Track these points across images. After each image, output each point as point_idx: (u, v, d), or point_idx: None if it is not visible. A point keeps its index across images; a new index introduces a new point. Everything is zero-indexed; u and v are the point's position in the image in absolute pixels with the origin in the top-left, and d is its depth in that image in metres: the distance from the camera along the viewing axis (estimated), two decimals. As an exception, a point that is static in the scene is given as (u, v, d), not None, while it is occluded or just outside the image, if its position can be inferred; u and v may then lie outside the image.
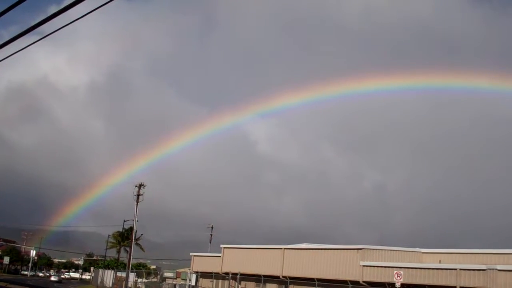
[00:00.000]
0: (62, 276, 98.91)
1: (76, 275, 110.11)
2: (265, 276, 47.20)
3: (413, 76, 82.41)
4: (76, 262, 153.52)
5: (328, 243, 48.64)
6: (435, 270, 36.38)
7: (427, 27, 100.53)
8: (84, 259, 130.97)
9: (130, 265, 60.72)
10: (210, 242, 73.31)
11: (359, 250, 40.61)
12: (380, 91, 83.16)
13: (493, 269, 33.35)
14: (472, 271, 34.31)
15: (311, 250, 46.02)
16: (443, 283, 35.06)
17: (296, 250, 47.48)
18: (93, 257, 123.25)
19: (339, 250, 42.95)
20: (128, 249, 68.31)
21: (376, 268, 39.16)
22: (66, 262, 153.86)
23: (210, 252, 61.98)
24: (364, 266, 39.62)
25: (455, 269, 35.07)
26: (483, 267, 33.94)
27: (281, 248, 47.39)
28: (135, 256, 74.34)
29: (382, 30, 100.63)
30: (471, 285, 33.74)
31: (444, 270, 35.83)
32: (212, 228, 75.34)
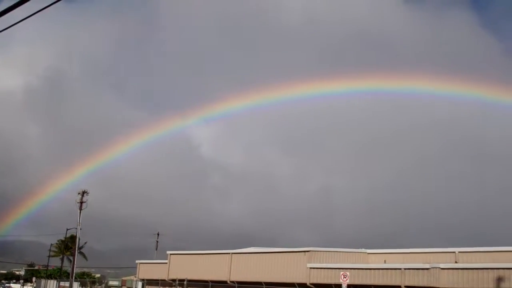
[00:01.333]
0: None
1: (17, 286, 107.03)
2: (212, 281, 46.96)
3: (355, 79, 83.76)
4: (17, 272, 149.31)
5: (275, 246, 48.83)
6: (380, 270, 36.96)
7: (367, 31, 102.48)
8: (25, 270, 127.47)
9: (74, 274, 59.48)
10: (156, 249, 72.62)
11: (306, 253, 40.87)
12: (323, 94, 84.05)
13: (436, 267, 34.11)
14: (416, 270, 34.99)
15: (258, 254, 46.07)
16: (389, 282, 35.65)
17: (244, 254, 47.45)
18: (35, 267, 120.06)
19: (286, 253, 43.14)
20: (71, 258, 66.96)
21: (322, 270, 39.50)
22: (7, 273, 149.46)
23: (156, 259, 61.28)
24: (311, 268, 39.91)
25: (400, 269, 35.71)
26: (427, 266, 34.67)
27: (228, 253, 47.25)
28: (79, 264, 72.99)
29: (323, 34, 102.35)
30: (415, 284, 34.42)
31: (389, 270, 36.42)
32: (158, 234, 74.64)
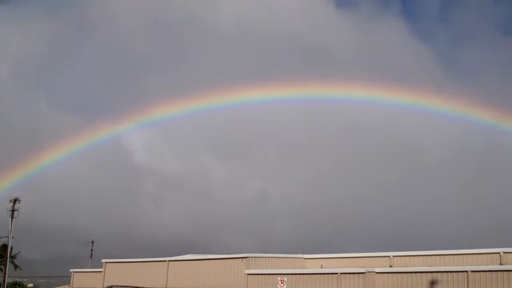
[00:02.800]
0: None
1: None
2: (149, 289, 46.22)
3: (289, 85, 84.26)
4: None
5: (212, 253, 48.48)
6: (317, 275, 37.14)
7: (301, 38, 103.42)
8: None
9: (6, 284, 57.57)
10: (91, 257, 71.20)
11: (243, 259, 40.68)
12: (258, 100, 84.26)
13: (371, 271, 34.54)
14: (352, 275, 35.32)
15: (195, 261, 45.60)
16: (325, 287, 35.87)
17: (181, 261, 46.89)
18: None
19: (223, 260, 42.82)
20: (2, 267, 64.82)
21: (260, 276, 39.40)
22: None
23: (91, 268, 59.94)
24: (248, 274, 39.75)
25: (336, 273, 35.98)
26: (362, 270, 35.06)
27: (165, 261, 46.58)
28: (11, 274, 70.63)
29: (257, 41, 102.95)
30: (351, 288, 34.82)
31: (325, 275, 36.65)
32: (92, 242, 73.15)
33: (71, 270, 57.47)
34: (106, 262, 52.31)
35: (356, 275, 35.03)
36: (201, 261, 44.97)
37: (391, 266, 39.70)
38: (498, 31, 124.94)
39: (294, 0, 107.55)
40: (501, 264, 36.34)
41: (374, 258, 41.65)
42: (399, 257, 40.83)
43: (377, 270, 34.78)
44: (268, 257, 42.48)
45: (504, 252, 37.24)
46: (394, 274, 34.38)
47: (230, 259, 42.02)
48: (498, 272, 31.14)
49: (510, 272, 30.72)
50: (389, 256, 41.17)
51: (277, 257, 43.21)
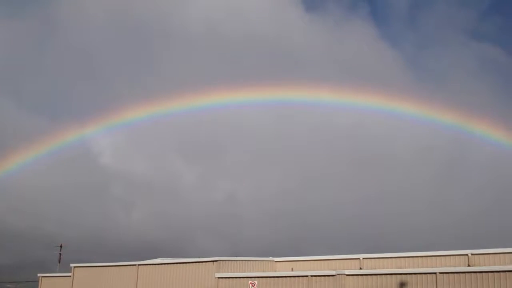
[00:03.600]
0: None
1: None
2: (118, 294, 45.78)
3: (259, 88, 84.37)
4: None
5: (182, 257, 48.17)
6: (287, 278, 37.18)
7: (270, 41, 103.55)
8: None
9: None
10: (59, 262, 70.19)
11: (214, 262, 40.55)
12: (227, 103, 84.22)
13: (341, 274, 34.76)
14: (322, 277, 35.47)
15: (165, 265, 45.25)
16: (296, 290, 36.00)
17: (151, 265, 46.48)
18: None
19: (194, 263, 42.62)
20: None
21: (231, 279, 39.32)
22: None
23: (59, 272, 59.14)
24: (219, 278, 39.64)
25: (306, 276, 36.10)
26: (333, 272, 35.23)
27: (135, 265, 46.18)
28: (-24, 280, 69.28)
29: (226, 44, 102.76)
30: (322, 291, 34.97)
31: (296, 278, 36.73)
32: (60, 247, 72.18)
33: (39, 274, 56.57)
34: (74, 267, 51.62)
35: (327, 277, 35.18)
36: (171, 265, 44.67)
37: (361, 268, 40.02)
38: (464, 35, 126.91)
39: (263, 3, 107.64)
40: (469, 265, 36.90)
41: (344, 260, 41.92)
42: (369, 259, 41.17)
43: (347, 272, 35.01)
44: (239, 260, 42.44)
45: (472, 254, 37.81)
46: (364, 276, 34.64)
47: (201, 263, 41.85)
48: (466, 274, 31.62)
49: (478, 274, 31.21)
50: (359, 258, 41.46)
51: (247, 260, 43.19)
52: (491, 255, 37.36)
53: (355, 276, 34.60)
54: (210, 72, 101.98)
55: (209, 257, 42.06)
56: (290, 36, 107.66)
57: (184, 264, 43.47)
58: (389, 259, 40.40)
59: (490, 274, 30.92)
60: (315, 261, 43.35)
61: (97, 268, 50.73)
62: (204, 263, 41.46)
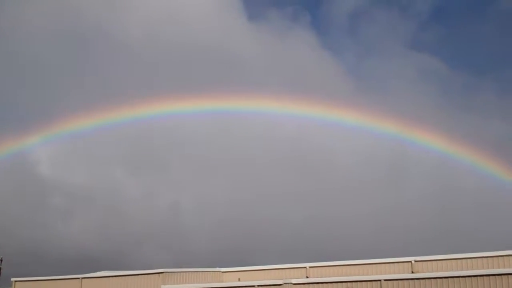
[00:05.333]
0: None
1: None
2: (61, 308, 44.64)
3: (201, 97, 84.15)
4: None
5: (127, 269, 47.38)
6: (234, 288, 37.20)
7: (212, 49, 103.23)
8: None
9: None
10: (-1, 276, 67.93)
11: (160, 274, 40.03)
12: (169, 112, 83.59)
13: (288, 283, 34.85)
14: (269, 286, 35.53)
15: (110, 278, 44.40)
16: (243, 300, 35.94)
17: (94, 278, 45.52)
18: None
19: (139, 276, 41.95)
20: None
21: (177, 291, 38.94)
22: None
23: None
24: (165, 290, 39.18)
25: (253, 286, 36.06)
26: (279, 281, 35.30)
27: (78, 278, 45.13)
28: None
29: (168, 52, 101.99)
30: (269, 300, 35.03)
31: (243, 288, 36.77)
32: (1, 260, 69.89)
33: (-23, 290, 54.84)
34: (15, 281, 50.09)
35: (273, 286, 35.25)
36: (116, 277, 43.84)
37: (307, 277, 40.23)
38: (403, 45, 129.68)
39: (205, 11, 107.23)
40: (412, 272, 37.57)
41: (291, 269, 42.09)
42: (315, 268, 41.48)
43: (293, 281, 35.13)
44: (185, 271, 42.02)
45: (415, 261, 38.54)
46: (310, 284, 34.83)
47: (146, 275, 41.24)
48: (410, 280, 32.19)
49: (422, 280, 31.80)
50: (305, 267, 41.72)
51: (194, 272, 42.84)
52: (434, 261, 38.18)
53: (301, 285, 34.77)
54: (152, 82, 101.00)
55: (154, 268, 41.51)
56: (232, 44, 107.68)
57: (129, 276, 42.74)
58: (335, 267, 40.81)
59: (433, 280, 31.55)
60: (262, 271, 43.35)
61: (39, 282, 49.32)
62: (149, 275, 40.86)
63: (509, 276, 30.04)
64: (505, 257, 36.23)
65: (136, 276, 42.30)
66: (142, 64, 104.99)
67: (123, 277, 43.20)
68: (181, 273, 41.57)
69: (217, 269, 45.31)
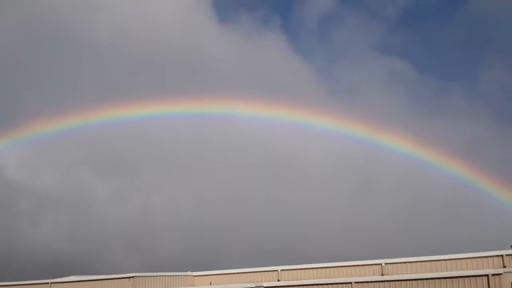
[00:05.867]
0: None
1: None
2: (30, 314, 44.06)
3: (172, 100, 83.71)
4: None
5: (97, 273, 47.04)
6: (206, 292, 37.20)
7: (182, 52, 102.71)
8: None
9: None
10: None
11: (130, 278, 39.80)
12: (141, 115, 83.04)
13: (260, 286, 34.95)
14: (240, 290, 35.75)
15: (80, 283, 43.97)
16: (215, 304, 35.95)
17: (64, 283, 45.04)
18: None
19: (109, 280, 41.64)
20: None
21: (148, 295, 38.79)
22: None
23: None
24: (136, 294, 38.98)
25: (225, 290, 36.26)
26: (251, 285, 35.36)
27: (47, 283, 44.60)
28: None
29: (137, 55, 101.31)
30: (240, 303, 35.12)
31: (215, 291, 36.80)
32: (-32, 266, 68.83)
33: None
34: (-17, 287, 49.43)
35: (245, 290, 35.38)
36: (86, 282, 43.46)
37: (279, 280, 40.37)
38: (373, 49, 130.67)
39: (175, 14, 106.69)
40: (383, 274, 37.97)
41: (262, 272, 42.15)
42: (286, 271, 41.59)
43: (265, 284, 35.24)
44: (156, 276, 41.84)
45: (385, 263, 38.92)
46: (281, 287, 35.02)
47: (117, 279, 40.96)
48: (380, 283, 32.57)
49: (391, 282, 32.20)
50: (277, 270, 41.81)
51: (165, 276, 42.65)
52: (403, 264, 38.61)
53: (273, 288, 34.98)
54: (122, 84, 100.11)
55: (124, 273, 41.24)
56: (202, 47, 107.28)
57: (99, 281, 42.39)
58: (306, 270, 40.99)
59: (403, 282, 31.96)
60: (234, 274, 43.36)
61: (8, 287, 48.73)
62: (120, 280, 40.59)
63: (477, 277, 30.59)
64: (473, 259, 36.83)
65: (106, 280, 41.96)
66: (111, 65, 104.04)
67: (93, 281, 42.81)
68: (152, 277, 41.37)
69: (188, 273, 45.18)
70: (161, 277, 42.03)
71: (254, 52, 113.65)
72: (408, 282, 31.84)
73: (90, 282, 43.11)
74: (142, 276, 40.54)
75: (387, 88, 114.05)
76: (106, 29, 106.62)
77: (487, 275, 30.32)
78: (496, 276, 30.10)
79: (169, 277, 42.89)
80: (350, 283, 33.16)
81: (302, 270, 41.11)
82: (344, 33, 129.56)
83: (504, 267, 34.79)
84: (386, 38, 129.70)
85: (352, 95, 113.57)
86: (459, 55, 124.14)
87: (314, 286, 33.80)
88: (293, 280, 38.73)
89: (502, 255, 35.97)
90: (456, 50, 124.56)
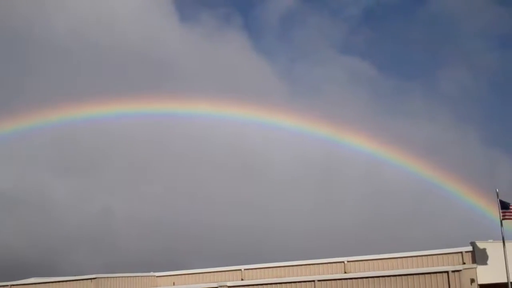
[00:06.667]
0: None
1: None
2: (-12, 317, 43.25)
3: (134, 100, 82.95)
4: None
5: (58, 275, 46.34)
6: (169, 292, 37.05)
7: (143, 51, 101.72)
8: None
9: None
10: None
11: (92, 280, 39.38)
12: (101, 115, 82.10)
13: (223, 286, 35.04)
14: (204, 290, 35.77)
15: (41, 285, 43.29)
16: (178, 304, 35.85)
17: (24, 285, 44.31)
18: None
19: (71, 282, 41.10)
20: None
21: (111, 296, 38.46)
22: None
23: None
24: (98, 296, 38.60)
25: (189, 290, 36.22)
26: (214, 285, 35.47)
27: (7, 285, 43.83)
28: None
29: (97, 54, 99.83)
30: (204, 303, 35.15)
31: (178, 292, 36.70)
32: None
33: None
34: None
35: (209, 290, 35.41)
36: (47, 284, 42.81)
37: (242, 279, 40.41)
38: (335, 49, 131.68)
39: (136, 12, 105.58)
40: (345, 272, 38.32)
41: (226, 272, 42.15)
42: (250, 270, 41.66)
43: (229, 284, 35.37)
44: (119, 277, 41.47)
45: (348, 261, 39.30)
46: (245, 286, 35.17)
47: (79, 281, 40.46)
48: (343, 280, 32.97)
49: (354, 280, 32.61)
50: (240, 270, 41.86)
51: (128, 277, 42.30)
52: (366, 261, 39.03)
53: (237, 287, 35.01)
54: (80, 83, 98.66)
55: (87, 273, 40.83)
56: (163, 46, 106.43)
57: (61, 283, 41.81)
58: (270, 268, 41.13)
59: (365, 279, 32.40)
60: (197, 274, 43.26)
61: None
62: (82, 281, 40.11)
63: (437, 274, 31.17)
64: (433, 256, 37.44)
65: (67, 282, 41.40)
66: (69, 64, 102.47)
67: (55, 283, 42.20)
68: (115, 278, 40.99)
69: (151, 273, 44.89)
70: (124, 278, 41.67)
71: (215, 50, 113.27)
72: (370, 279, 32.27)
73: (51, 284, 42.48)
74: (105, 277, 40.13)
75: (348, 87, 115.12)
76: (64, 27, 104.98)
77: (447, 272, 30.94)
78: (455, 272, 30.72)
79: (132, 277, 42.55)
80: (313, 281, 33.45)
81: (266, 269, 41.23)
82: (305, 32, 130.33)
83: (464, 263, 35.45)
84: (347, 38, 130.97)
85: (314, 94, 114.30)
86: (419, 55, 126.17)
87: (278, 285, 34.02)
88: (257, 279, 38.83)
89: (461, 252, 36.62)
90: (416, 50, 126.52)
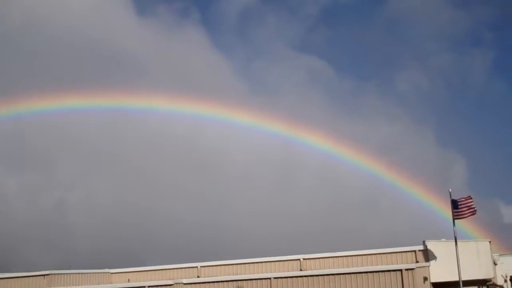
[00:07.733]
0: None
1: None
2: None
3: (89, 94, 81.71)
4: None
5: (10, 271, 45.31)
6: (124, 289, 36.80)
7: (99, 44, 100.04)
8: None
9: None
10: None
11: (45, 276, 38.75)
12: (55, 108, 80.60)
13: (179, 283, 34.95)
14: (159, 287, 35.50)
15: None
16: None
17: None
18: None
19: (23, 278, 40.33)
20: None
21: (64, 293, 37.93)
22: None
23: None
24: (52, 292, 38.01)
25: (144, 287, 35.90)
26: (170, 282, 35.32)
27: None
28: None
29: (53, 46, 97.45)
30: (160, 300, 34.99)
31: (133, 288, 36.47)
32: None
33: None
34: None
35: (164, 287, 35.18)
36: (-2, 280, 42.02)
37: (198, 277, 40.36)
38: (293, 47, 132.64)
39: (92, 5, 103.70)
40: (301, 269, 38.65)
41: (182, 269, 42.03)
42: (206, 267, 41.66)
43: (184, 281, 35.28)
44: (73, 273, 40.88)
45: (304, 259, 39.63)
46: (201, 284, 35.12)
47: (31, 277, 39.75)
48: (299, 278, 33.23)
49: (309, 277, 32.89)
50: (196, 267, 41.80)
51: (82, 273, 41.72)
52: (321, 259, 39.42)
53: (192, 285, 35.01)
54: (35, 77, 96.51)
55: (39, 270, 40.11)
56: (120, 40, 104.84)
57: (12, 279, 40.95)
58: (226, 266, 41.18)
59: (320, 277, 32.71)
60: (152, 271, 42.96)
61: None
62: (34, 277, 39.43)
63: (391, 272, 31.68)
64: (387, 255, 38.06)
65: (19, 278, 40.61)
66: (23, 56, 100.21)
67: (6, 279, 41.30)
68: (68, 274, 40.40)
69: (106, 270, 44.36)
70: (78, 274, 41.09)
71: (172, 46, 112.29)
72: (325, 277, 32.60)
73: (2, 280, 41.60)
74: (58, 274, 39.50)
75: (305, 86, 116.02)
76: (19, 17, 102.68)
77: (400, 270, 31.47)
78: (409, 271, 31.27)
79: (86, 274, 41.99)
80: (269, 278, 33.63)
81: (222, 267, 41.27)
82: (263, 30, 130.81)
83: (417, 262, 36.14)
84: (305, 37, 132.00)
85: (272, 93, 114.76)
86: (376, 55, 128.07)
87: (234, 282, 34.07)
88: (213, 276, 38.83)
89: (415, 251, 37.34)
90: (373, 50, 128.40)
